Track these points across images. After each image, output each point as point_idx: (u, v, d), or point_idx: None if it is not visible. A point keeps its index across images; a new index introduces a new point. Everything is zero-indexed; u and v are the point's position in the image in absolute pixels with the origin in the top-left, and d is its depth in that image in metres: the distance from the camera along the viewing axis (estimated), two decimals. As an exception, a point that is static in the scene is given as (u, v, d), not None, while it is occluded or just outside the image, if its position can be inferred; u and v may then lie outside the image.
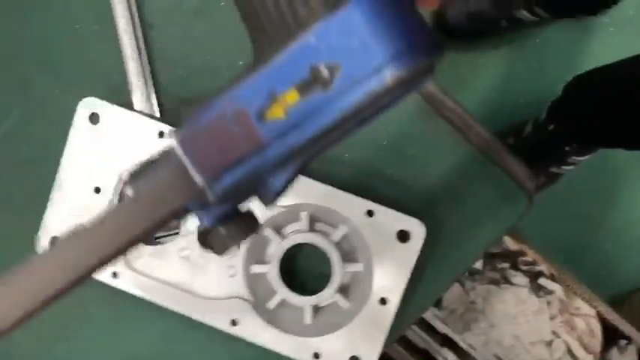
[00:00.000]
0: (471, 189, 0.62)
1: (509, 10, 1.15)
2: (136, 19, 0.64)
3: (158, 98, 0.64)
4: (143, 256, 0.62)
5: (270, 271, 0.61)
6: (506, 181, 0.62)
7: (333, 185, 0.60)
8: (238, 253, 0.61)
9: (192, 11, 0.64)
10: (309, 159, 0.26)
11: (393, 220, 0.59)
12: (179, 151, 0.25)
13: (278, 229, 0.62)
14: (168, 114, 0.64)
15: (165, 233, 0.64)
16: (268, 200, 0.27)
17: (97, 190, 0.62)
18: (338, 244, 0.61)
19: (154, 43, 0.64)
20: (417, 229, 0.59)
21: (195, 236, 0.61)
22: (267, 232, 0.61)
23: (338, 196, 0.60)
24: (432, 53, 0.23)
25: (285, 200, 0.60)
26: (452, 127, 0.62)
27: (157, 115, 0.64)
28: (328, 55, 0.22)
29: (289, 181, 0.26)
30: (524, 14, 1.14)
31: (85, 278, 0.27)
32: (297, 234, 0.61)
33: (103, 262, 0.27)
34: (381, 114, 0.25)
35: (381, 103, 0.23)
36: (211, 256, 0.62)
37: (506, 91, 1.23)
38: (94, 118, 0.61)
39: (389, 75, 0.22)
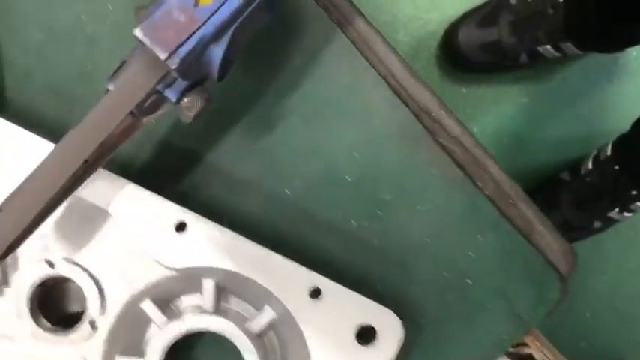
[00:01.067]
0: (480, 264, 0.40)
1: (531, 43, 1.02)
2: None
3: (-5, 74, 0.40)
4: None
5: (147, 368, 0.37)
6: (534, 256, 0.40)
7: (259, 242, 0.37)
8: (95, 335, 0.37)
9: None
10: (239, 33, 0.32)
11: (351, 307, 0.36)
12: (143, 38, 0.31)
13: (165, 303, 0.38)
14: (9, 101, 0.40)
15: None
16: (214, 72, 0.33)
17: None
18: (259, 338, 0.38)
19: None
20: (390, 326, 0.36)
21: (25, 298, 0.37)
22: (146, 307, 0.38)
23: (266, 259, 0.37)
24: None
25: (179, 258, 0.37)
26: (458, 167, 0.39)
27: (-9, 100, 0.40)
28: None
29: (225, 53, 0.32)
30: (548, 50, 1.01)
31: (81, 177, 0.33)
32: (196, 315, 0.38)
33: (104, 149, 0.33)
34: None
35: None
36: (50, 338, 0.37)
37: (528, 129, 1.10)
38: None
39: None
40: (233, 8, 0.31)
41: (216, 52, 0.32)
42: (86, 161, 0.32)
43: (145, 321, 0.38)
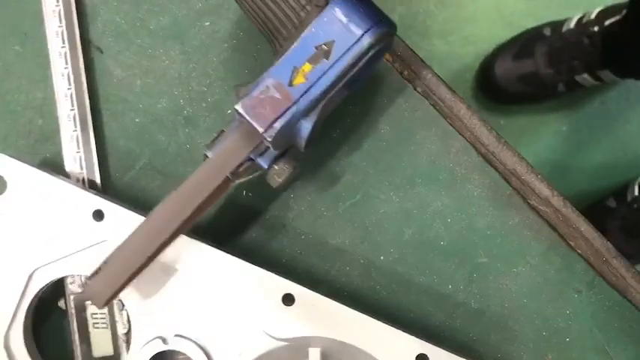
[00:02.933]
0: (578, 322, 0.40)
1: (568, 73, 1.02)
2: (77, 40, 0.43)
3: (100, 158, 0.42)
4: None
5: None
6: (630, 312, 0.40)
7: (359, 309, 0.38)
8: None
9: (161, 32, 0.43)
10: (325, 109, 0.36)
11: (459, 373, 0.37)
12: (243, 112, 0.34)
13: (272, 373, 0.39)
14: (113, 183, 0.42)
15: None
16: (301, 143, 0.36)
17: (-5, 294, 0.39)
18: (367, 405, 0.38)
19: (102, 76, 0.43)
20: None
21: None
22: (256, 378, 0.39)
23: (371, 327, 0.38)
24: (388, 26, 0.35)
25: (287, 329, 0.38)
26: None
27: (98, 183, 0.42)
28: (325, 37, 0.34)
29: (313, 127, 0.36)
30: (586, 78, 1.01)
31: (181, 229, 0.36)
32: (303, 383, 0.39)
33: (196, 212, 0.36)
34: (368, 72, 0.37)
35: (363, 62, 0.35)
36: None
37: (569, 157, 1.09)
38: (-4, 185, 0.39)
39: (366, 42, 0.34)
40: (324, 87, 0.35)
41: (306, 125, 0.36)
42: (183, 222, 0.36)
43: (254, 391, 0.39)
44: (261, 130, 0.34)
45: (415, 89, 0.42)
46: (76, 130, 0.42)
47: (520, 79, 1.06)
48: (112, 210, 0.39)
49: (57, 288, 0.41)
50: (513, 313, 0.40)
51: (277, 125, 0.34)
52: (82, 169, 0.42)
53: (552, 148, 1.15)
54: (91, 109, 0.42)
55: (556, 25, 1.07)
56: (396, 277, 0.41)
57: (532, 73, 1.06)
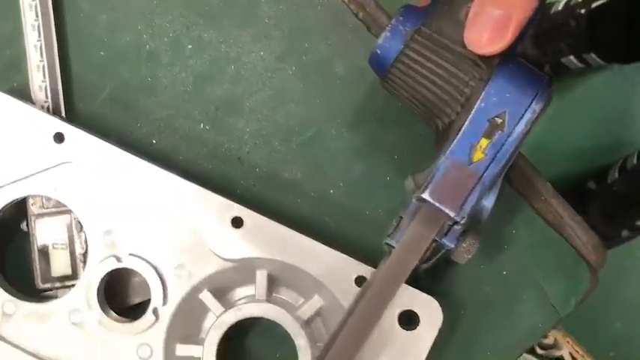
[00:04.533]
0: (515, 257, 0.42)
1: (554, 55, 1.03)
2: (45, -28, 0.44)
3: (65, 89, 0.44)
4: (15, 316, 0.41)
5: (205, 354, 0.40)
6: (565, 249, 0.42)
7: (306, 233, 0.40)
8: (157, 325, 0.40)
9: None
10: (503, 178, 0.37)
11: (396, 295, 0.39)
12: (432, 200, 0.35)
13: (220, 294, 0.41)
14: (77, 112, 0.44)
15: (59, 285, 0.43)
16: (484, 216, 0.37)
17: (-42, 213, 0.41)
18: (307, 324, 0.40)
19: (69, 10, 0.45)
20: (431, 311, 0.39)
21: (95, 290, 0.40)
22: (204, 297, 0.41)
23: (314, 250, 0.40)
24: (550, 85, 0.36)
25: (235, 251, 0.40)
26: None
27: (62, 112, 0.44)
28: (496, 110, 0.34)
29: (495, 200, 0.36)
30: (571, 61, 1.03)
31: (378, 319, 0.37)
32: (249, 303, 0.41)
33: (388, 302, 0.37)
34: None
35: (534, 125, 0.35)
36: (116, 327, 0.41)
37: (553, 140, 1.11)
38: (-39, 106, 0.41)
39: (537, 108, 0.35)
40: (505, 159, 0.34)
41: (490, 198, 0.36)
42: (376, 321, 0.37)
43: (203, 311, 0.41)
44: (453, 214, 0.34)
45: (369, 31, 0.43)
46: (42, 61, 0.44)
47: None
48: (72, 133, 0.40)
49: (18, 210, 0.43)
50: (453, 246, 0.42)
51: (467, 207, 0.34)
52: (47, 98, 0.44)
53: (535, 130, 1.16)
54: (57, 41, 0.44)
55: (544, 7, 1.08)
56: (344, 211, 0.43)
57: (518, 54, 1.07)
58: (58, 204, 0.42)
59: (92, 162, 0.40)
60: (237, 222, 0.40)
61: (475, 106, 0.34)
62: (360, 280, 0.39)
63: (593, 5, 1.06)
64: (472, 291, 0.42)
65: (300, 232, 0.40)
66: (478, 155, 0.34)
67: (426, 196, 0.34)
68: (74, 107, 0.44)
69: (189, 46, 0.44)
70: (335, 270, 0.39)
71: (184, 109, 0.44)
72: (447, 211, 0.34)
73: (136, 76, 0.44)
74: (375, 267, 0.39)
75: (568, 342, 0.78)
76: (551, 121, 1.18)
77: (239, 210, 0.40)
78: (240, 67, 0.44)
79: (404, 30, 0.35)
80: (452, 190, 0.34)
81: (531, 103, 0.34)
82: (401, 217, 0.37)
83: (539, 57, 1.10)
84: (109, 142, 0.41)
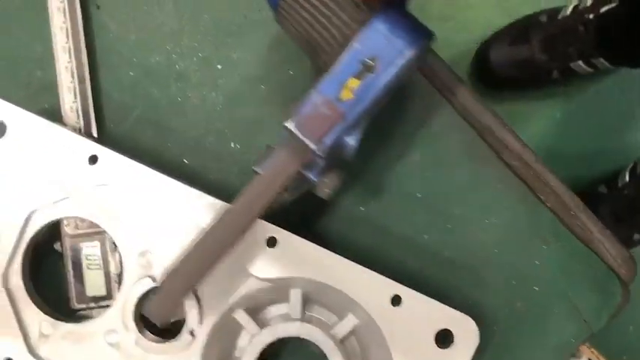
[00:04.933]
0: (545, 272, 0.42)
1: (563, 60, 1.03)
2: (76, -5, 0.45)
3: (96, 109, 0.44)
4: (52, 337, 0.41)
5: (240, 373, 0.40)
6: (596, 263, 0.42)
7: (342, 254, 0.40)
8: (194, 344, 0.41)
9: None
10: (369, 120, 0.37)
11: (430, 313, 0.39)
12: (294, 130, 0.36)
13: (255, 313, 0.42)
14: (108, 132, 0.45)
15: (94, 305, 0.43)
16: (349, 154, 0.37)
17: (-7, 234, 0.42)
18: (342, 342, 0.41)
19: (99, 30, 0.45)
20: (467, 330, 0.39)
21: (131, 311, 0.41)
22: (239, 316, 0.41)
23: (349, 270, 0.40)
24: (428, 37, 0.37)
25: (270, 270, 0.40)
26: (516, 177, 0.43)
27: (94, 131, 0.44)
28: (369, 52, 0.35)
29: (359, 139, 0.37)
30: (580, 65, 1.03)
31: (233, 243, 0.38)
32: (284, 322, 0.41)
33: (247, 228, 0.38)
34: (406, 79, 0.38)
35: (407, 73, 0.36)
36: (153, 347, 0.41)
37: (562, 144, 1.11)
38: (-3, 129, 0.41)
39: (408, 55, 0.35)
40: (371, 101, 0.35)
41: (354, 137, 0.37)
42: (235, 239, 0.38)
43: (238, 330, 0.42)
44: (313, 146, 0.35)
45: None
46: (73, 82, 0.44)
47: (515, 65, 1.07)
48: (106, 155, 0.41)
49: (53, 231, 0.43)
50: (485, 263, 0.43)
51: (328, 141, 0.35)
52: (78, 119, 0.44)
53: (545, 134, 1.16)
54: (87, 62, 0.44)
55: (552, 12, 1.08)
56: (374, 227, 0.43)
57: (527, 59, 1.06)
58: (92, 225, 0.42)
59: (126, 183, 0.41)
60: (271, 242, 0.40)
61: (350, 47, 0.35)
62: (396, 300, 0.39)
63: (602, 10, 1.06)
64: (504, 307, 0.43)
65: (332, 249, 0.40)
66: (346, 94, 0.35)
67: (289, 125, 0.35)
68: (105, 127, 0.45)
69: (219, 66, 0.44)
70: (370, 289, 0.39)
71: (215, 129, 0.44)
72: (307, 142, 0.35)
73: (166, 96, 0.44)
74: (415, 287, 0.39)
75: (592, 352, 0.79)
76: (561, 125, 1.17)
77: (273, 230, 0.40)
78: (270, 86, 0.44)
79: None
80: (316, 123, 0.35)
81: (404, 49, 0.35)
82: (269, 147, 0.38)
83: (547, 62, 1.09)
84: (142, 163, 0.41)
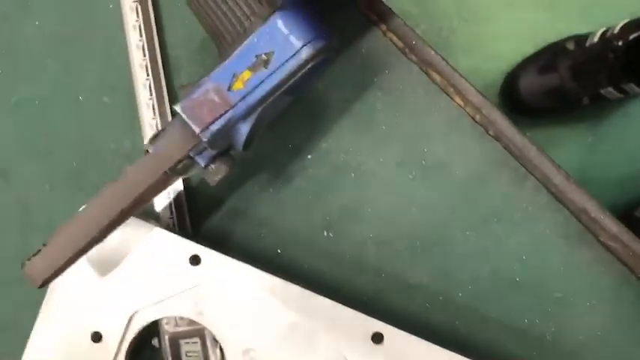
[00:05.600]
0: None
1: (593, 87, 1.03)
2: (164, 91, 0.45)
3: (189, 202, 0.45)
4: None
5: None
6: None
7: (436, 338, 0.40)
8: None
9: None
10: (264, 113, 0.38)
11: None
12: (182, 112, 0.37)
13: None
14: (201, 225, 0.45)
15: None
16: (239, 145, 0.39)
17: (96, 336, 0.42)
18: None
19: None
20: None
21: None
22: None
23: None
24: (327, 39, 0.37)
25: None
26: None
27: (188, 226, 0.44)
28: (265, 47, 0.37)
29: (251, 130, 0.38)
30: (610, 91, 1.02)
31: (117, 222, 0.39)
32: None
33: (133, 204, 0.38)
34: (313, 80, 0.41)
35: (302, 72, 0.37)
36: None
37: (596, 168, 1.11)
38: (97, 233, 0.42)
39: (305, 55, 0.36)
40: (261, 94, 0.37)
41: (244, 128, 0.38)
42: (122, 210, 0.38)
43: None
44: (197, 130, 0.36)
45: (487, 133, 0.44)
46: (165, 178, 0.44)
47: (545, 94, 1.07)
48: (208, 255, 0.41)
49: (151, 327, 0.43)
50: (588, 346, 0.42)
51: (213, 128, 0.36)
52: (172, 213, 0.44)
53: (577, 159, 1.16)
54: (177, 156, 0.45)
55: (580, 39, 1.08)
56: (473, 313, 0.43)
57: (556, 88, 1.07)
58: (192, 322, 0.43)
59: (226, 281, 0.41)
60: (377, 338, 0.40)
61: (247, 39, 0.36)
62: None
63: (631, 37, 1.06)
64: None
65: (432, 340, 0.40)
66: (238, 85, 0.36)
67: (177, 108, 0.37)
68: (198, 221, 0.45)
69: (309, 156, 0.45)
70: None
71: (307, 218, 0.44)
72: (193, 126, 0.36)
73: (257, 186, 0.45)
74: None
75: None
76: (593, 149, 1.17)
77: (378, 325, 0.40)
78: (360, 174, 0.44)
79: None
80: (204, 109, 0.36)
81: (300, 49, 0.36)
82: (163, 128, 0.39)
83: (577, 89, 1.09)
84: (242, 262, 0.41)
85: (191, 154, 0.38)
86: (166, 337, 0.43)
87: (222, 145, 0.38)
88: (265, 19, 0.36)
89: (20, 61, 0.47)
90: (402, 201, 0.44)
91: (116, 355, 0.42)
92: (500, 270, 0.43)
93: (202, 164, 0.39)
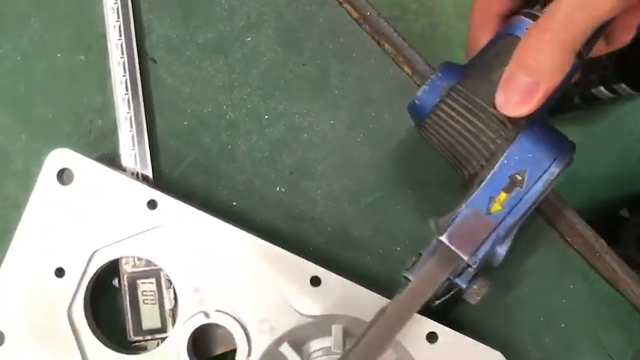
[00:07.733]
0: (573, 310, 0.45)
1: (584, 86, 1.05)
2: (135, 52, 0.49)
3: (153, 155, 0.48)
4: (112, 368, 0.45)
5: (285, 404, 0.43)
6: (620, 302, 0.45)
7: (375, 288, 0.43)
8: (242, 376, 0.44)
9: (208, 46, 0.49)
10: (517, 232, 0.40)
11: (464, 349, 0.42)
12: (448, 242, 0.38)
13: (298, 346, 0.45)
14: (163, 176, 0.48)
15: (149, 337, 0.47)
16: (497, 263, 0.41)
17: (60, 272, 0.45)
18: (382, 376, 0.44)
19: (155, 83, 0.49)
20: (498, 366, 0.42)
21: (185, 344, 0.44)
22: (284, 349, 0.44)
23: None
24: (572, 150, 0.39)
25: (313, 307, 0.43)
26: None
27: (150, 177, 0.48)
28: (517, 168, 0.38)
29: (509, 249, 0.40)
30: (602, 91, 1.04)
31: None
32: (325, 356, 0.44)
33: (398, 330, 0.41)
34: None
35: (554, 182, 0.38)
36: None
37: (585, 168, 1.12)
38: (64, 176, 0.45)
39: (555, 170, 0.38)
40: (520, 213, 0.38)
41: (503, 247, 0.39)
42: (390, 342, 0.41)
43: (283, 361, 0.45)
44: (466, 258, 0.38)
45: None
46: (131, 130, 0.48)
47: None
48: (164, 200, 0.44)
49: (111, 268, 0.47)
50: (516, 301, 0.45)
51: (480, 253, 0.38)
52: (136, 164, 0.48)
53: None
54: (145, 112, 0.48)
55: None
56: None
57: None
58: (149, 263, 0.46)
59: (182, 226, 0.44)
60: (315, 281, 0.43)
61: (498, 162, 0.37)
62: (431, 337, 0.42)
63: (624, 37, 1.07)
64: (533, 343, 0.45)
65: (371, 288, 0.43)
66: (496, 207, 0.37)
67: (443, 238, 0.38)
68: (161, 172, 0.48)
69: (266, 117, 0.48)
70: (408, 327, 0.42)
71: (262, 174, 0.48)
72: (461, 254, 0.38)
73: (217, 144, 0.48)
74: (460, 325, 0.42)
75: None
76: (583, 149, 1.18)
77: (317, 270, 0.43)
78: (313, 135, 0.48)
79: (441, 86, 0.39)
80: (468, 236, 0.38)
81: (550, 165, 0.37)
82: (420, 254, 0.40)
83: (569, 88, 1.11)
84: (196, 207, 0.44)
85: (451, 277, 0.39)
86: (125, 276, 0.47)
87: (483, 266, 0.39)
88: (512, 140, 0.37)
89: (6, 19, 0.50)
90: (350, 160, 0.48)
91: (77, 290, 0.45)
92: (436, 228, 0.46)
93: (463, 286, 0.40)
